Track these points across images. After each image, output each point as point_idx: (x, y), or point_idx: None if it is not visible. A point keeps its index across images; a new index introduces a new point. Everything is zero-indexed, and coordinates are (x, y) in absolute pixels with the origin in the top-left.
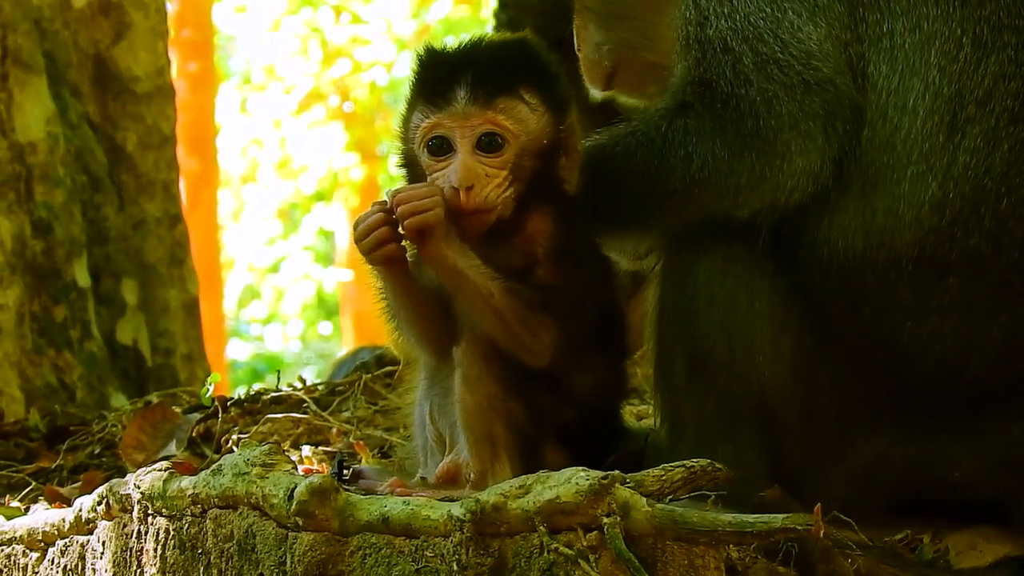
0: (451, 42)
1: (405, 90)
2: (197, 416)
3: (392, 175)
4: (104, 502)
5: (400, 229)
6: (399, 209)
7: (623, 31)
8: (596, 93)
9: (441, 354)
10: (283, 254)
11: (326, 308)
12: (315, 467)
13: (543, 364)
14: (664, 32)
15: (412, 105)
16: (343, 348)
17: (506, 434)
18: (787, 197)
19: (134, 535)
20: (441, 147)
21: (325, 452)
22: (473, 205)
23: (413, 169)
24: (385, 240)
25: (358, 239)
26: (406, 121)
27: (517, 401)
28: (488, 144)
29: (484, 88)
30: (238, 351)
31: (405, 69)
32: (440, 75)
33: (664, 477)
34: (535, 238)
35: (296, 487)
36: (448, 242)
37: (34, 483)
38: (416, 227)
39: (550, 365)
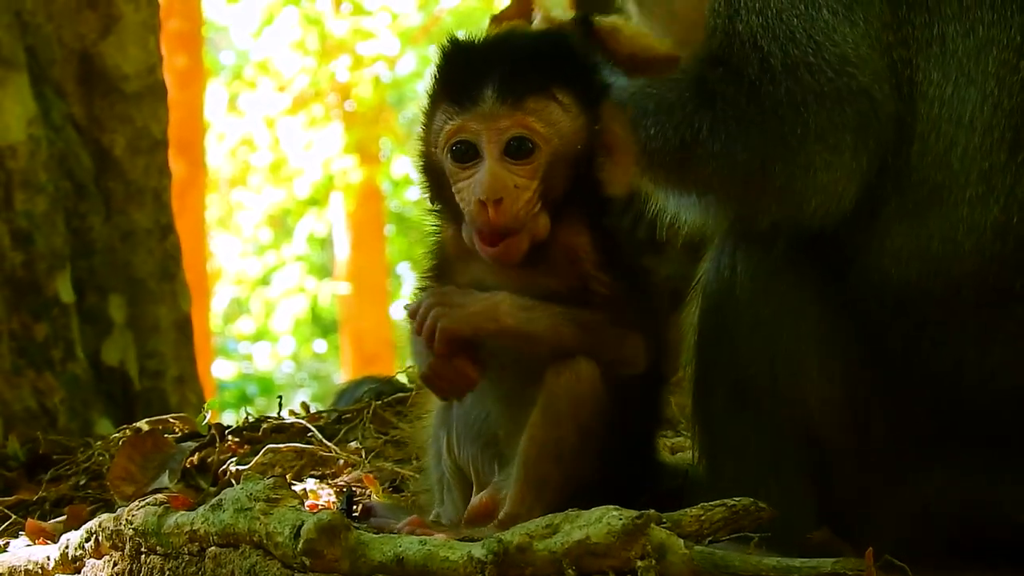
0: (476, 33)
1: (426, 86)
2: (192, 445)
3: (394, 179)
4: (93, 538)
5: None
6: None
7: None
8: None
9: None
10: (274, 264)
11: (321, 325)
12: (321, 502)
13: (639, 369)
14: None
15: (434, 104)
16: (340, 369)
17: (559, 488)
18: (810, 215)
19: (126, 574)
20: (467, 153)
21: (332, 485)
22: (503, 221)
23: (435, 176)
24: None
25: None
26: (428, 122)
27: (592, 459)
28: (517, 149)
29: (514, 86)
30: (223, 371)
31: (410, 65)
32: (466, 71)
33: (703, 517)
34: (576, 252)
35: (303, 524)
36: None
37: (14, 516)
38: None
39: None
